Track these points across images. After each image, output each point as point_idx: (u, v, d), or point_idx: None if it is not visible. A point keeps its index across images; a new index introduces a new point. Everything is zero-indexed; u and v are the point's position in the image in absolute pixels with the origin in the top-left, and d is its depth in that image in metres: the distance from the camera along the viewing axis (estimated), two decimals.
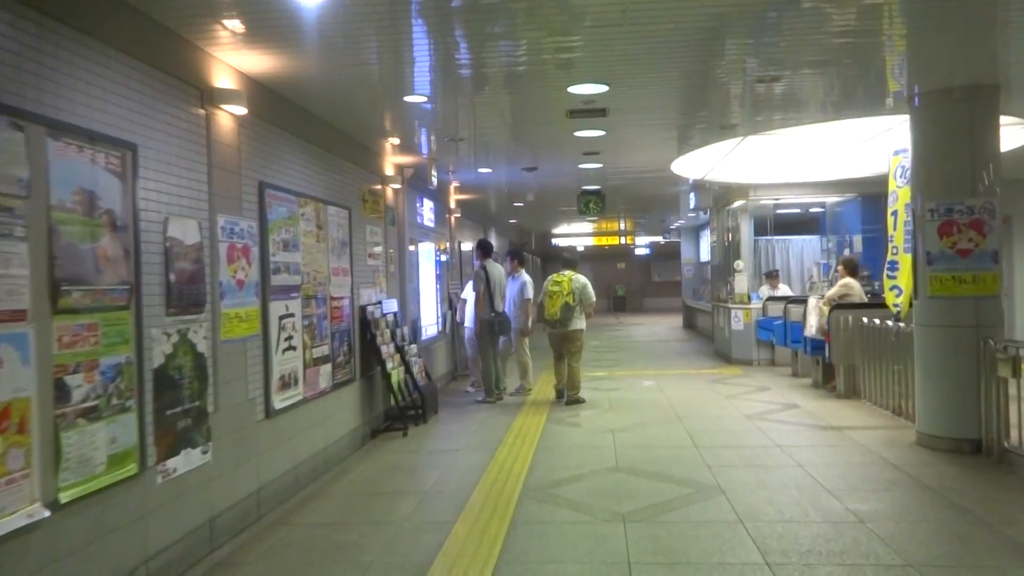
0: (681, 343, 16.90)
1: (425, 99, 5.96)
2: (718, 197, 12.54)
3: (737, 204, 12.85)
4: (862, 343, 8.42)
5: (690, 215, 18.21)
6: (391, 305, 8.30)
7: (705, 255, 20.86)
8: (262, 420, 5.19)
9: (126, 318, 3.72)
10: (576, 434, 7.21)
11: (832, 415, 7.71)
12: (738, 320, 12.20)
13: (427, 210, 10.20)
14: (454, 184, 11.70)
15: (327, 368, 6.39)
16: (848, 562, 3.85)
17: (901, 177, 7.28)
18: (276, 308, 5.43)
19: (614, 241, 25.49)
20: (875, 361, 8.08)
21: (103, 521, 3.51)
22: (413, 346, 8.50)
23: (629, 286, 34.16)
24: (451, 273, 11.81)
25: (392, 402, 7.55)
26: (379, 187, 8.26)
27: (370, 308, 7.53)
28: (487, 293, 9.23)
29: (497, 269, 9.46)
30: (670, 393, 9.46)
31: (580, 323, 8.93)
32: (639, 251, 32.27)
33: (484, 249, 9.45)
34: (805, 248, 15.20)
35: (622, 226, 23.62)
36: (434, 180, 8.78)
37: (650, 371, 11.81)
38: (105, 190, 3.59)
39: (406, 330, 8.49)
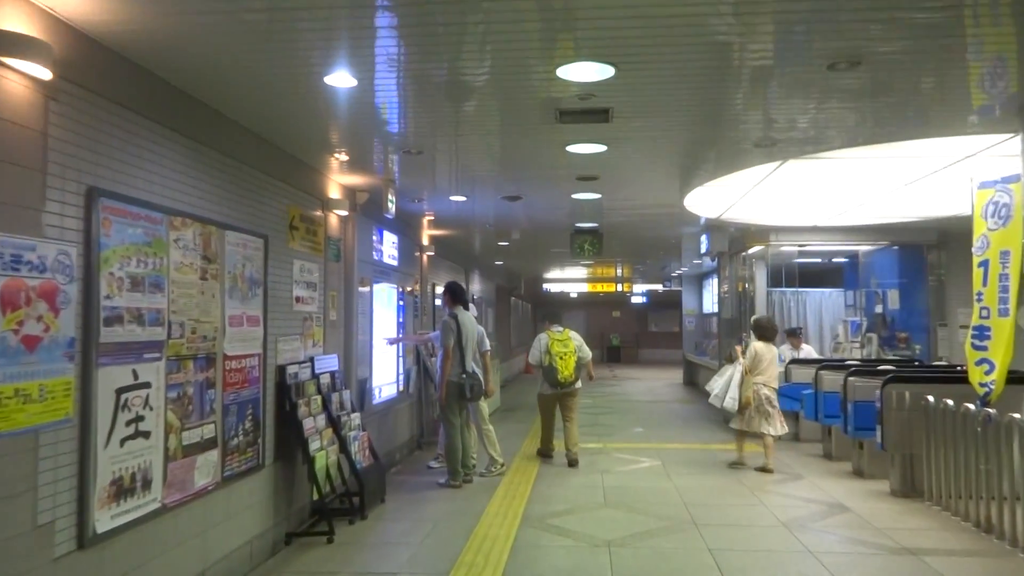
0: (684, 405, 15.02)
1: (356, 82, 4.23)
2: (733, 241, 10.86)
3: (754, 250, 11.16)
4: (927, 428, 6.61)
5: (695, 263, 16.55)
6: (329, 363, 6.49)
7: (709, 306, 19.16)
8: (68, 554, 3.33)
9: None
10: (560, 550, 5.33)
11: (897, 527, 5.86)
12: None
13: (388, 244, 8.44)
14: (427, 217, 9.98)
15: (212, 456, 4.55)
16: None
17: (994, 216, 5.57)
18: (112, 376, 3.61)
19: (610, 288, 23.79)
20: (948, 454, 6.26)
21: None
22: (356, 415, 6.65)
23: (624, 336, 32.36)
24: (420, 321, 10.01)
25: (314, 495, 5.67)
26: (318, 213, 6.51)
27: (292, 368, 5.71)
28: (458, 348, 7.41)
29: (469, 319, 7.67)
30: (680, 480, 7.59)
31: (579, 381, 8.61)
32: (635, 299, 30.58)
33: (454, 294, 7.67)
34: (824, 303, 13.50)
35: (619, 272, 21.93)
36: (391, 207, 7.05)
37: (652, 444, 9.95)
38: None
39: (347, 395, 6.66)
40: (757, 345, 8.30)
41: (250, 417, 5.08)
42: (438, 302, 11.02)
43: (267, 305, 5.33)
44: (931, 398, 6.55)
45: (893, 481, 7.05)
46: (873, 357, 10.27)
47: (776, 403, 8.20)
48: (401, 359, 8.94)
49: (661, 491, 7.13)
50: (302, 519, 5.98)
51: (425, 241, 10.64)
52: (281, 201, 5.70)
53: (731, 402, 8.27)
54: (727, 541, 5.47)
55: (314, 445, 5.71)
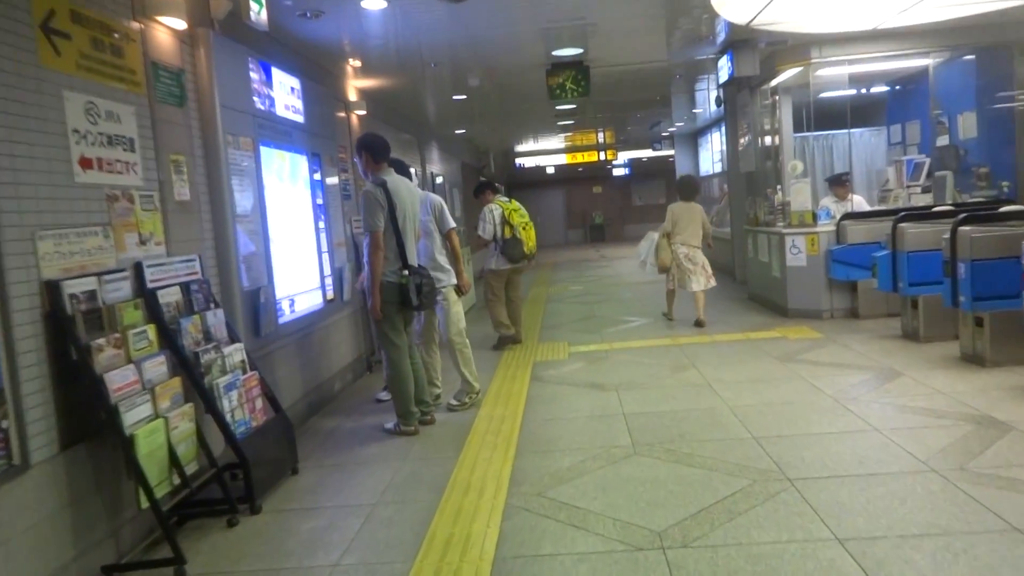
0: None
1: None
2: (765, 61, 8.18)
3: (788, 75, 8.55)
4: None
5: (695, 112, 13.93)
6: (179, 270, 3.99)
7: (708, 167, 16.68)
8: None
9: None
10: (577, 565, 3.04)
11: None
12: (798, 251, 8.05)
13: (284, 91, 5.76)
14: (352, 62, 7.28)
15: None
16: None
17: None
18: None
19: (591, 158, 21.05)
20: None
21: None
22: (236, 348, 4.21)
23: (607, 213, 29.91)
24: (354, 204, 7.44)
25: (142, 501, 3.27)
26: (130, 24, 3.84)
27: (82, 285, 3.22)
28: (392, 231, 4.91)
29: (406, 187, 5.12)
30: (730, 393, 5.33)
31: None
32: (617, 172, 27.93)
33: (372, 150, 5.02)
34: (856, 145, 11.06)
35: (601, 139, 19.21)
36: (256, 13, 4.37)
37: (671, 338, 7.67)
38: None
39: (219, 318, 4.19)
40: (674, 207, 8.27)
41: None
42: None
43: None
44: None
45: None
46: (949, 201, 7.90)
47: (697, 260, 8.13)
48: (327, 256, 6.44)
49: (711, 415, 4.86)
50: (148, 531, 3.64)
51: (352, 96, 7.94)
52: None
53: (651, 268, 8.49)
54: (862, 515, 3.20)
55: (135, 414, 3.28)
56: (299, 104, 6.06)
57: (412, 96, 9.49)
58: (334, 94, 7.29)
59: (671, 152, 19.14)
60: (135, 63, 3.88)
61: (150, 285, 3.74)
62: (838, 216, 8.02)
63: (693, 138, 17.67)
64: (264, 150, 5.25)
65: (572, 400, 5.54)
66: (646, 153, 22.33)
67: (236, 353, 4.20)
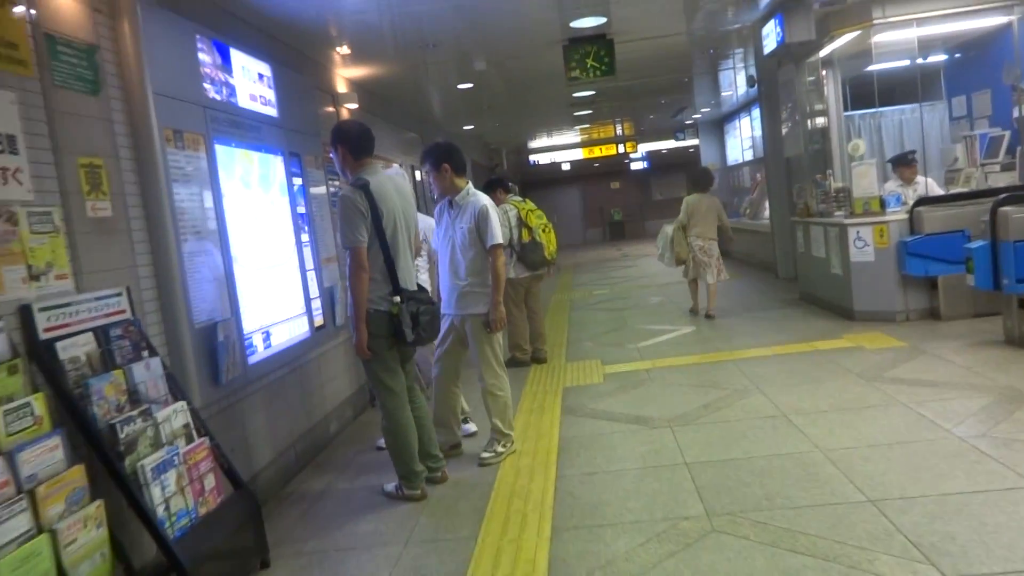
0: (729, 281, 11.55)
1: None
2: (818, 25, 7.02)
3: (845, 40, 7.41)
4: None
5: (725, 94, 12.80)
6: (87, 310, 2.98)
7: (737, 155, 15.55)
8: None
9: None
10: None
11: None
12: (864, 244, 6.92)
13: (247, 77, 4.72)
14: (338, 48, 6.26)
15: None
16: None
17: None
18: None
19: (610, 151, 19.91)
20: None
21: None
22: (177, 409, 3.17)
23: (626, 209, 28.74)
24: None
25: None
26: None
27: None
28: (377, 246, 3.85)
29: (397, 186, 4.06)
30: (818, 430, 4.22)
31: None
32: (635, 166, 26.76)
33: (351, 143, 3.94)
34: (910, 123, 9.91)
35: (619, 131, 18.10)
36: None
37: (720, 353, 6.57)
38: None
39: (153, 370, 3.15)
40: (689, 199, 8.19)
41: None
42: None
43: None
44: None
45: None
46: None
47: (711, 252, 8.12)
48: (314, 274, 5.40)
49: (801, 465, 3.76)
50: None
51: (342, 87, 6.91)
52: None
53: (668, 260, 8.47)
54: None
55: None
56: (271, 95, 5.03)
57: (412, 87, 8.46)
58: (318, 84, 6.27)
59: (694, 142, 18.02)
60: (15, 34, 2.86)
61: (44, 336, 2.72)
62: (910, 202, 6.90)
63: (719, 125, 16.53)
64: (221, 149, 4.21)
65: (616, 442, 4.47)
66: (665, 144, 21.20)
67: (177, 416, 3.16)
